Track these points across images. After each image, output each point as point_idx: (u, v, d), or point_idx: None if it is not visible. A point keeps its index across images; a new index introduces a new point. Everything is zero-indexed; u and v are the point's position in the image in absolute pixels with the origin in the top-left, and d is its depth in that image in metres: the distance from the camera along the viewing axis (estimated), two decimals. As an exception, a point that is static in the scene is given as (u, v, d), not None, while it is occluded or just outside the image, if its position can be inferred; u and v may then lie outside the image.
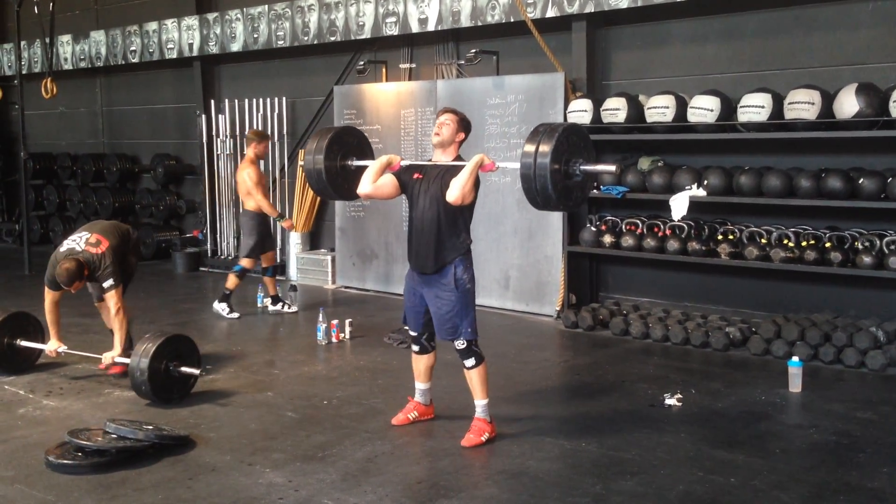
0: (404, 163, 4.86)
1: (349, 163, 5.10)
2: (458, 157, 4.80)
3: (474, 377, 4.71)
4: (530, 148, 4.26)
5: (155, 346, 5.28)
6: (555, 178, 4.21)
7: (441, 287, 4.67)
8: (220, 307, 8.13)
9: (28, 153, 11.69)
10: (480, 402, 4.73)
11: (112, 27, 12.35)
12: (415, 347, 4.98)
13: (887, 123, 6.14)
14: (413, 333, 4.94)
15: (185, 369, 5.42)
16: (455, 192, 4.50)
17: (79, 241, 5.75)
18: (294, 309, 8.32)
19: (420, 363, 4.98)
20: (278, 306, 8.32)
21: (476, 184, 4.63)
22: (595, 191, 7.51)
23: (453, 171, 4.63)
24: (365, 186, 4.78)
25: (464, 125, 4.80)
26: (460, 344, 4.68)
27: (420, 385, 5.05)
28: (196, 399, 5.53)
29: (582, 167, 4.36)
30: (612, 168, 4.58)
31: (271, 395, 5.66)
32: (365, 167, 4.93)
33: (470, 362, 4.70)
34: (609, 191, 7.41)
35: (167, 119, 12.51)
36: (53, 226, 13.04)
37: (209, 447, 4.69)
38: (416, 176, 4.77)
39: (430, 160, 4.87)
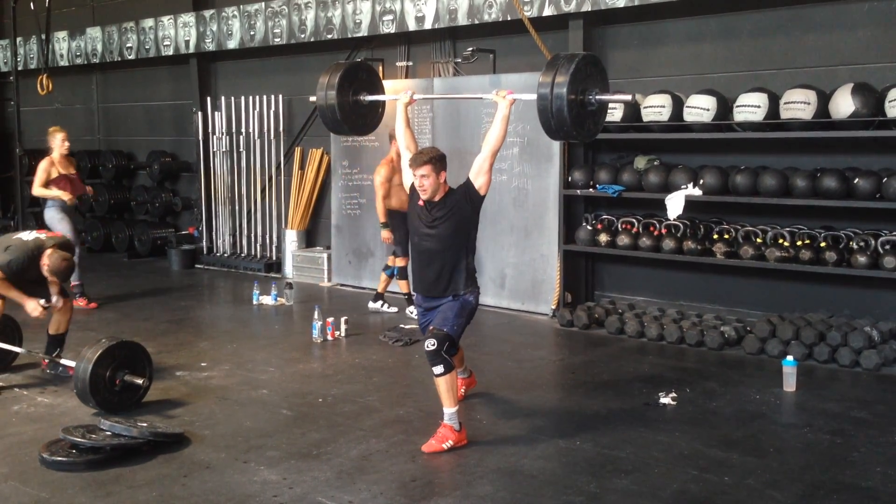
0: (417, 96, 5.21)
1: (361, 98, 5.16)
2: (449, 189, 4.82)
3: (442, 385, 4.63)
4: (548, 75, 4.34)
5: (99, 351, 5.09)
6: (571, 107, 4.31)
7: (445, 302, 4.80)
8: (376, 305, 8.15)
9: (23, 149, 11.65)
10: (448, 410, 4.66)
11: (108, 24, 12.32)
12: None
13: (883, 123, 6.15)
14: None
15: (129, 378, 5.20)
16: (494, 141, 4.73)
17: (37, 234, 5.86)
18: (394, 310, 8.17)
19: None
20: (378, 304, 8.21)
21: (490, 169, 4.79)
22: (591, 189, 7.52)
23: (457, 205, 4.73)
24: (400, 127, 5.06)
25: (440, 165, 4.73)
26: (430, 344, 4.58)
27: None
28: (191, 396, 5.53)
29: (597, 96, 4.44)
30: (628, 97, 4.61)
31: (266, 393, 5.66)
32: (377, 102, 5.25)
33: (438, 369, 4.60)
34: (605, 190, 7.41)
35: (163, 116, 12.49)
36: (49, 222, 13.01)
37: (204, 444, 4.68)
38: (420, 203, 4.81)
39: (421, 203, 4.84)
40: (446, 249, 4.74)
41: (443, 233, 4.73)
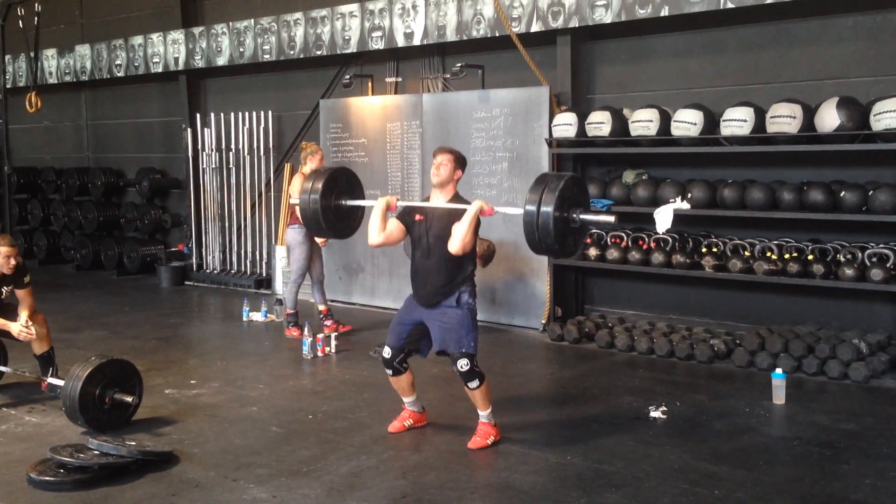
0: (401, 203, 4.97)
1: (343, 202, 5.16)
2: (456, 194, 4.92)
3: (477, 395, 4.86)
4: (535, 194, 4.36)
5: (89, 369, 5.06)
6: (557, 223, 4.33)
7: (447, 307, 4.82)
8: None
9: (12, 167, 11.66)
10: (484, 413, 4.91)
11: (97, 41, 12.34)
12: (388, 371, 5.03)
13: (868, 137, 6.20)
14: (386, 354, 4.96)
15: (118, 396, 5.16)
16: (455, 244, 4.67)
17: None
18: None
19: (400, 382, 5.09)
20: None
21: (476, 227, 4.76)
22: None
23: (456, 213, 4.75)
24: (374, 237, 4.90)
25: (460, 163, 4.92)
26: (464, 365, 4.73)
27: (408, 399, 5.16)
28: (180, 414, 5.51)
29: (581, 216, 4.47)
30: (610, 219, 4.65)
31: (256, 410, 5.63)
32: (357, 207, 5.17)
33: (473, 384, 4.81)
34: (594, 204, 7.44)
35: (153, 133, 12.49)
36: (38, 240, 12.95)
37: (193, 463, 4.66)
38: (417, 218, 4.88)
39: (426, 198, 4.98)
40: (445, 257, 4.77)
41: (440, 239, 4.79)
